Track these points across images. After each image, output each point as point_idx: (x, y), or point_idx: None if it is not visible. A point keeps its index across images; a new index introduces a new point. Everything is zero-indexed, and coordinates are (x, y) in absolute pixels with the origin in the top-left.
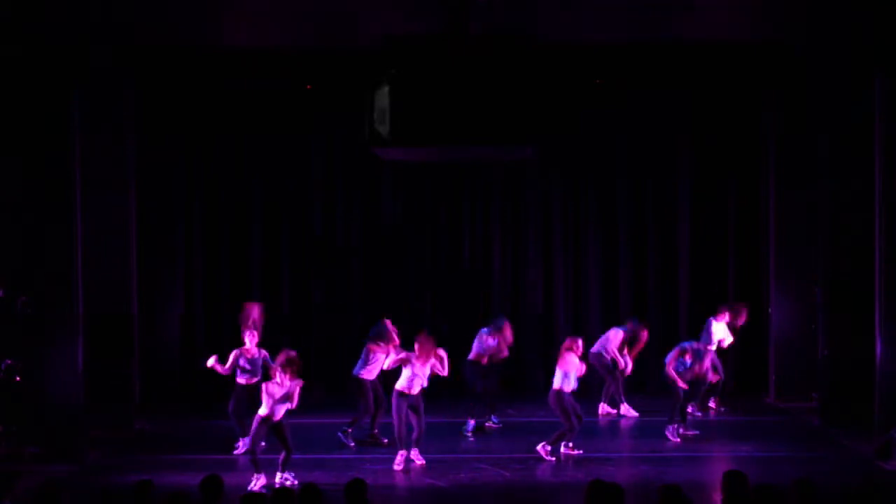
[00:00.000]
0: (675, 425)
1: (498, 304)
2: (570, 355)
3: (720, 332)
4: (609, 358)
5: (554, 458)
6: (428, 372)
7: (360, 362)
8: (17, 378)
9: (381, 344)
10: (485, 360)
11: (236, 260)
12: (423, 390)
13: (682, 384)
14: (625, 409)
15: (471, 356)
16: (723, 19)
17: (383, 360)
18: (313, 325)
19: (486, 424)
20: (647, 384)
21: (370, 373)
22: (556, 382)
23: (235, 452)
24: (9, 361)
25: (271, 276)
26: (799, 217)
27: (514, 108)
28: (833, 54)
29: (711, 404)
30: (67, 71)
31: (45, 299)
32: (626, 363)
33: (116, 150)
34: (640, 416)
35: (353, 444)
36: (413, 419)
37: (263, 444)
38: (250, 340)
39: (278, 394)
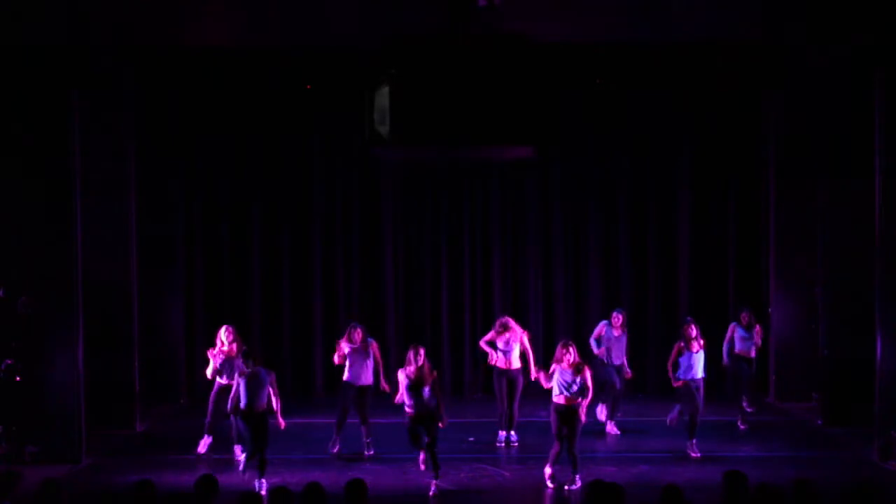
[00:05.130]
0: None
1: (498, 305)
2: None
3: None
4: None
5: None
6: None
7: None
8: (17, 378)
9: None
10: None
11: (236, 260)
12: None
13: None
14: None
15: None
16: (723, 19)
17: (349, 359)
18: (314, 324)
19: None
20: (647, 385)
21: (345, 374)
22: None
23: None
24: (9, 361)
25: (271, 276)
26: (799, 217)
27: (513, 109)
28: (833, 54)
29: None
30: (67, 71)
31: (45, 299)
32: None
33: (116, 150)
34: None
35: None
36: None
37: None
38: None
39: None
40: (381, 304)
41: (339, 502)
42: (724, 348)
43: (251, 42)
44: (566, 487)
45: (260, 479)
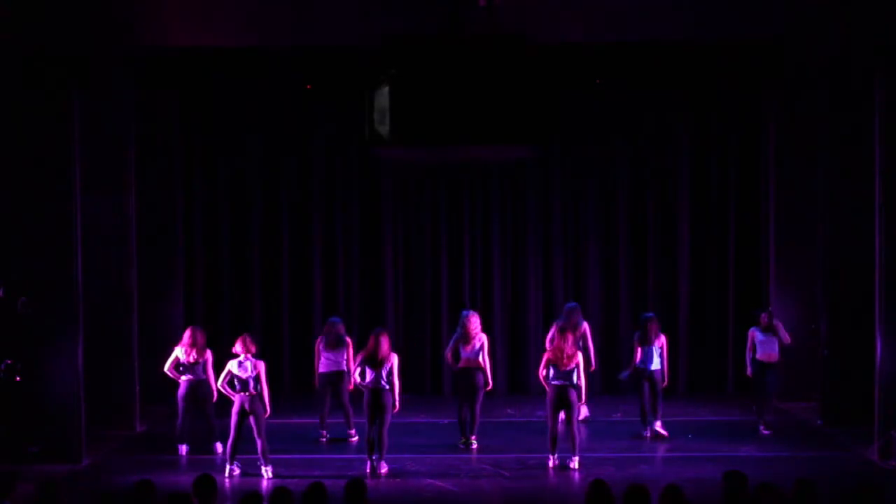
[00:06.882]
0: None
1: (499, 305)
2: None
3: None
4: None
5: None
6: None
7: None
8: (17, 378)
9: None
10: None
11: (236, 260)
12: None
13: None
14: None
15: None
16: (724, 19)
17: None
18: (314, 324)
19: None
20: None
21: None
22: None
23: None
24: (9, 361)
25: (271, 276)
26: (799, 217)
27: (513, 108)
28: (833, 54)
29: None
30: (68, 71)
31: (45, 299)
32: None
33: (116, 150)
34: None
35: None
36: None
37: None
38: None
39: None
40: (381, 304)
41: (339, 502)
42: (747, 357)
43: (251, 42)
44: (567, 464)
45: (266, 465)
